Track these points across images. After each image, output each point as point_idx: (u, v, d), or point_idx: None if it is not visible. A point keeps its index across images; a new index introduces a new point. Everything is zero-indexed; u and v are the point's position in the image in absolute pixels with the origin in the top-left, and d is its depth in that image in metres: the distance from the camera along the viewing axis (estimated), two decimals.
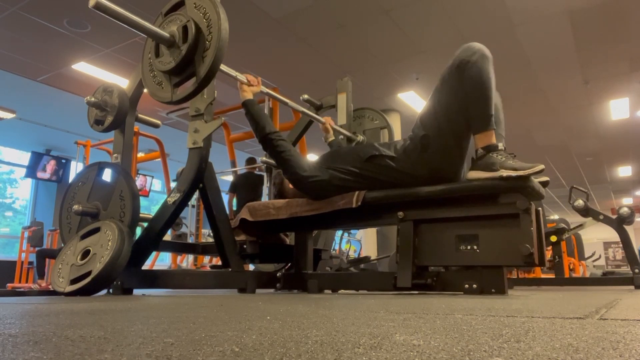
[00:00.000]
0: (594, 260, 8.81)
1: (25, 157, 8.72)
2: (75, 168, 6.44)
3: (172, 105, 1.97)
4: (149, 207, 10.52)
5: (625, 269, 8.94)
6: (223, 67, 1.82)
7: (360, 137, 3.04)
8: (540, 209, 1.88)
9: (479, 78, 1.77)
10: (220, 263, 2.34)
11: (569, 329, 0.66)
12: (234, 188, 5.01)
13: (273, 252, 2.71)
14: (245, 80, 2.18)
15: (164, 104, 1.82)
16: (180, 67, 1.69)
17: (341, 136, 2.94)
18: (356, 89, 3.25)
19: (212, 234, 2.29)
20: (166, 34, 1.69)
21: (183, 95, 1.72)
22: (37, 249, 6.26)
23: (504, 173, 1.71)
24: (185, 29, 1.67)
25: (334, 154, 2.28)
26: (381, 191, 2.07)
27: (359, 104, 3.27)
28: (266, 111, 3.89)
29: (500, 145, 1.79)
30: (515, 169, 1.69)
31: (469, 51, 1.80)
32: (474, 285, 1.79)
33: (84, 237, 1.86)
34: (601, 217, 4.22)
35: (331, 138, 2.82)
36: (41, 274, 5.75)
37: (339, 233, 6.92)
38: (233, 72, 2.04)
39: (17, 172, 9.34)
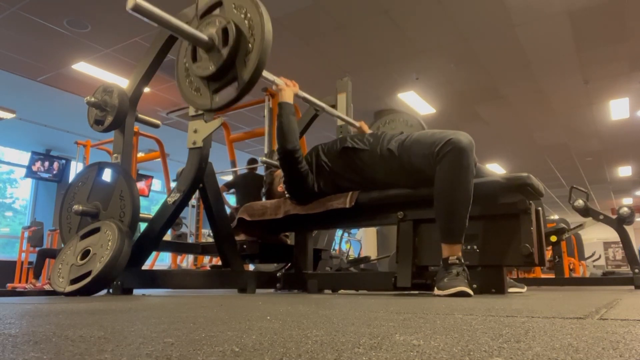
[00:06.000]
0: (594, 260, 8.82)
1: (25, 157, 8.72)
2: (75, 168, 6.44)
3: (210, 113, 1.88)
4: (149, 207, 10.52)
5: (625, 269, 8.95)
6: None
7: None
8: (540, 209, 1.88)
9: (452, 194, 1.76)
10: (220, 263, 2.34)
11: (569, 329, 0.66)
12: (231, 186, 5.01)
13: (273, 252, 2.71)
14: (284, 84, 2.17)
15: (204, 111, 1.73)
16: (221, 72, 1.61)
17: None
18: (356, 89, 3.24)
19: (212, 234, 2.29)
20: (205, 37, 1.62)
21: (224, 102, 1.63)
22: (37, 248, 6.26)
23: (435, 292, 1.72)
24: (225, 31, 1.60)
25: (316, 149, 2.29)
26: (378, 191, 2.07)
27: (359, 104, 3.26)
28: (266, 111, 3.89)
29: (452, 260, 1.72)
30: (439, 288, 1.67)
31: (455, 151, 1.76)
32: (474, 285, 1.79)
33: (84, 237, 1.86)
34: (601, 217, 4.22)
35: None
36: (37, 275, 5.74)
37: (339, 233, 6.92)
38: (271, 77, 2.01)
39: (17, 172, 9.33)
